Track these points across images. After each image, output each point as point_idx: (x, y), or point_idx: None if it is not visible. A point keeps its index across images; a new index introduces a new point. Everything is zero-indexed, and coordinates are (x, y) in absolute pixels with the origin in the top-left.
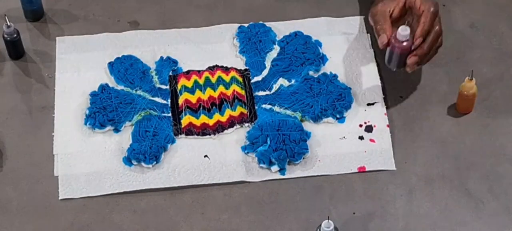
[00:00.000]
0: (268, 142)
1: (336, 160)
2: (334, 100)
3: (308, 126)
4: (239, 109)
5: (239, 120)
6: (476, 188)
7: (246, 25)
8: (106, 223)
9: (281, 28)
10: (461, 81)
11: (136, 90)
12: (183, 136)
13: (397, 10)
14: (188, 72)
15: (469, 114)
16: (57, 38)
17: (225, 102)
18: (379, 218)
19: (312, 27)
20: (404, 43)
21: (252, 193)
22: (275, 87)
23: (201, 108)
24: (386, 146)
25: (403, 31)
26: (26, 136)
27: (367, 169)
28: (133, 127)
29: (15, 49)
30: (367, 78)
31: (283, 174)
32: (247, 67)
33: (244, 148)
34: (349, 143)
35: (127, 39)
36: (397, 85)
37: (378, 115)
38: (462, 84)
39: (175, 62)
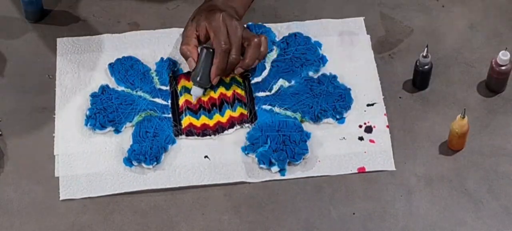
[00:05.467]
0: (268, 143)
1: (336, 161)
2: (334, 101)
3: (308, 126)
4: (239, 110)
5: (239, 121)
6: (475, 188)
7: (245, 26)
8: (107, 224)
9: (281, 29)
10: (461, 82)
11: (136, 91)
12: (183, 136)
13: (202, 36)
14: (188, 73)
15: (469, 114)
16: (57, 39)
17: (225, 103)
18: (379, 218)
19: (311, 28)
20: (503, 67)
21: (252, 194)
22: (275, 88)
23: (201, 109)
24: (386, 147)
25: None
26: (26, 136)
27: (367, 170)
28: (133, 127)
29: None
30: (367, 79)
31: (283, 175)
32: None
33: (244, 149)
34: (349, 144)
35: (127, 40)
36: (396, 86)
37: (378, 116)
38: (454, 122)
39: (175, 63)
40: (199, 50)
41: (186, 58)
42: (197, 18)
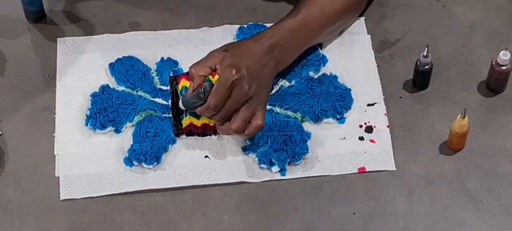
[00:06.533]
0: (269, 143)
1: (336, 161)
2: (335, 101)
3: (308, 126)
4: None
5: None
6: (475, 188)
7: (246, 26)
8: (107, 224)
9: None
10: (461, 82)
11: (136, 91)
12: (184, 136)
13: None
14: (188, 73)
15: (469, 114)
16: (58, 39)
17: None
18: (379, 218)
19: None
20: (503, 67)
21: (252, 193)
22: (276, 88)
23: None
24: (386, 147)
25: (505, 55)
26: (27, 136)
27: (367, 169)
28: (134, 127)
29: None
30: (367, 79)
31: (284, 175)
32: None
33: (244, 149)
34: (349, 144)
35: (128, 40)
36: (397, 86)
37: (378, 116)
38: (454, 122)
39: (175, 63)
40: (205, 82)
41: (191, 79)
42: (226, 55)
